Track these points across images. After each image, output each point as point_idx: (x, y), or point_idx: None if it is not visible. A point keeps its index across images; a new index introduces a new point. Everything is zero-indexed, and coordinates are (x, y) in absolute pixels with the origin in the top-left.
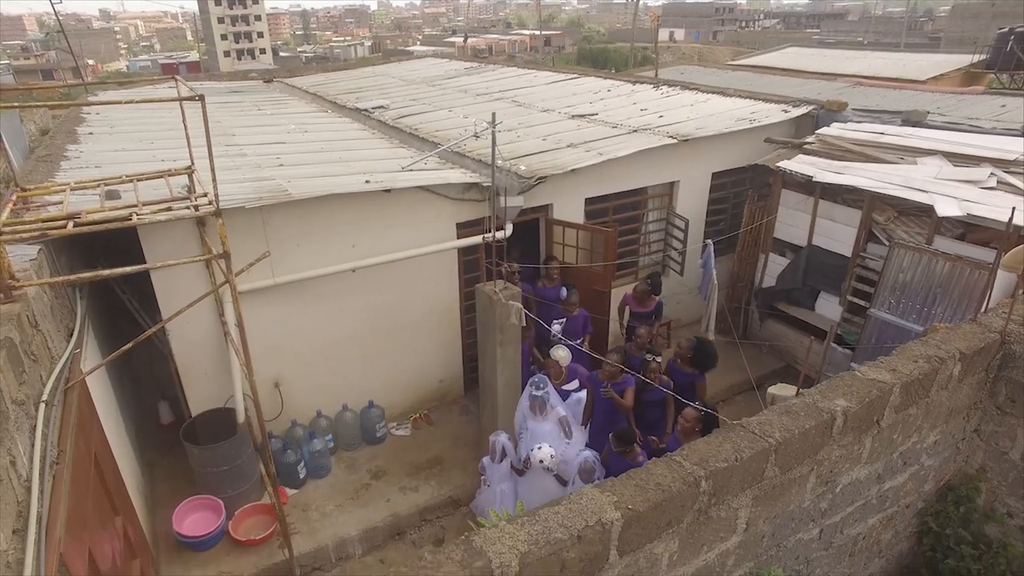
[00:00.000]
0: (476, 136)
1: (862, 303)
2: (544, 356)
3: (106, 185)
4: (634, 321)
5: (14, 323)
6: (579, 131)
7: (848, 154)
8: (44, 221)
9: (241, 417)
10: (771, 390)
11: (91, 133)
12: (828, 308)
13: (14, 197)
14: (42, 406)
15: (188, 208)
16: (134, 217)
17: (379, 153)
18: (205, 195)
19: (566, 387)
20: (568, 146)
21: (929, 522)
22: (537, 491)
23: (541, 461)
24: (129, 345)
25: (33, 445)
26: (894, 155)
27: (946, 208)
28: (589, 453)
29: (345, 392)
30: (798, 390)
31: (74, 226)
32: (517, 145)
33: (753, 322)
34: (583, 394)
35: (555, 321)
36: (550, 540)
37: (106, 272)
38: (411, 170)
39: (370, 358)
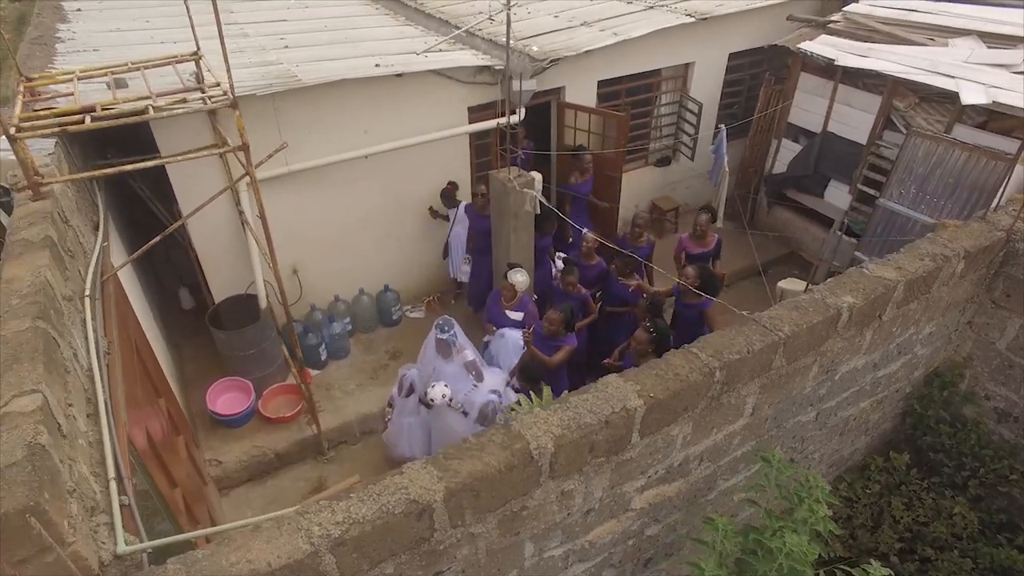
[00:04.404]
0: (491, 20)
1: (872, 192)
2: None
3: (113, 73)
4: (692, 265)
5: (49, 221)
6: (592, 7)
7: (875, 34)
8: (60, 115)
9: (263, 302)
10: (781, 284)
11: (79, 10)
12: (837, 196)
13: (21, 88)
14: (87, 300)
15: (203, 100)
16: (150, 110)
17: (385, 32)
18: (218, 84)
19: (511, 314)
20: (582, 24)
21: (914, 404)
22: (443, 424)
23: (432, 400)
24: (157, 239)
25: (87, 337)
26: (924, 35)
27: (972, 95)
28: (495, 398)
29: (361, 277)
30: (807, 286)
31: (92, 120)
32: (528, 24)
33: (760, 209)
34: (506, 332)
35: (559, 254)
36: (581, 424)
37: (130, 166)
38: (428, 54)
39: (384, 243)
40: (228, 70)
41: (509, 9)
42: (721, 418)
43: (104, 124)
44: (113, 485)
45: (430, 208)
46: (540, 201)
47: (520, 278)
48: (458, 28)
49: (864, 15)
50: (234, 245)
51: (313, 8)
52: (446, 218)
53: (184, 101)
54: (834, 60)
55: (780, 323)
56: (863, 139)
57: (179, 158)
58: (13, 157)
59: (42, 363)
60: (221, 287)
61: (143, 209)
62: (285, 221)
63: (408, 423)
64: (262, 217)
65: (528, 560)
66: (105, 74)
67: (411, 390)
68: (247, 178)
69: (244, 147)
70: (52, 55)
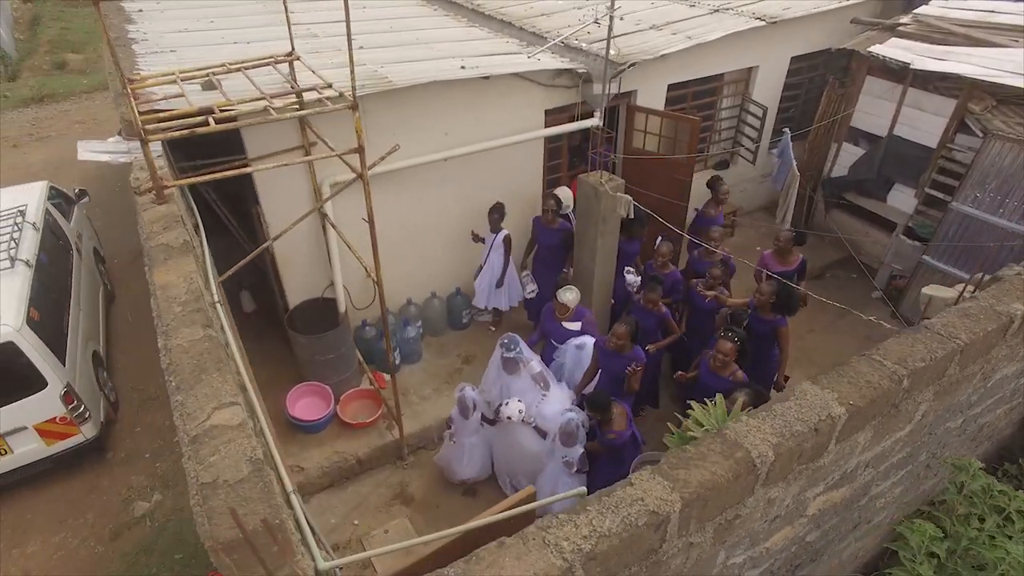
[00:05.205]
0: (597, 23)
1: (941, 196)
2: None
3: (213, 74)
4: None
5: (181, 225)
6: (654, 10)
7: (950, 37)
8: (181, 117)
9: (343, 307)
10: (925, 290)
11: (140, 11)
12: (901, 200)
13: (129, 90)
14: (218, 307)
15: (320, 101)
16: (271, 112)
17: (455, 33)
18: (330, 85)
19: (568, 325)
20: (651, 28)
21: None
22: (511, 442)
23: (509, 417)
24: (262, 247)
25: (225, 344)
26: (1007, 37)
27: None
28: (575, 416)
29: (433, 279)
30: (962, 292)
31: (215, 123)
32: (596, 26)
33: (817, 211)
34: (586, 341)
35: (627, 270)
36: (793, 433)
37: (249, 168)
38: (524, 57)
39: (457, 246)
40: (352, 71)
41: (613, 11)
42: (895, 425)
43: (230, 126)
44: (295, 499)
45: (472, 232)
46: (635, 206)
47: (571, 296)
48: (522, 29)
49: (937, 17)
50: (312, 249)
51: (371, 9)
52: (483, 241)
53: (298, 103)
54: (909, 64)
55: (955, 331)
56: (933, 143)
57: (297, 161)
58: (122, 160)
59: (230, 374)
60: (297, 291)
61: (204, 206)
62: (364, 224)
63: (470, 443)
64: (370, 221)
65: (716, 568)
66: (206, 75)
67: (475, 407)
68: (330, 180)
69: (360, 149)
70: (133, 57)
